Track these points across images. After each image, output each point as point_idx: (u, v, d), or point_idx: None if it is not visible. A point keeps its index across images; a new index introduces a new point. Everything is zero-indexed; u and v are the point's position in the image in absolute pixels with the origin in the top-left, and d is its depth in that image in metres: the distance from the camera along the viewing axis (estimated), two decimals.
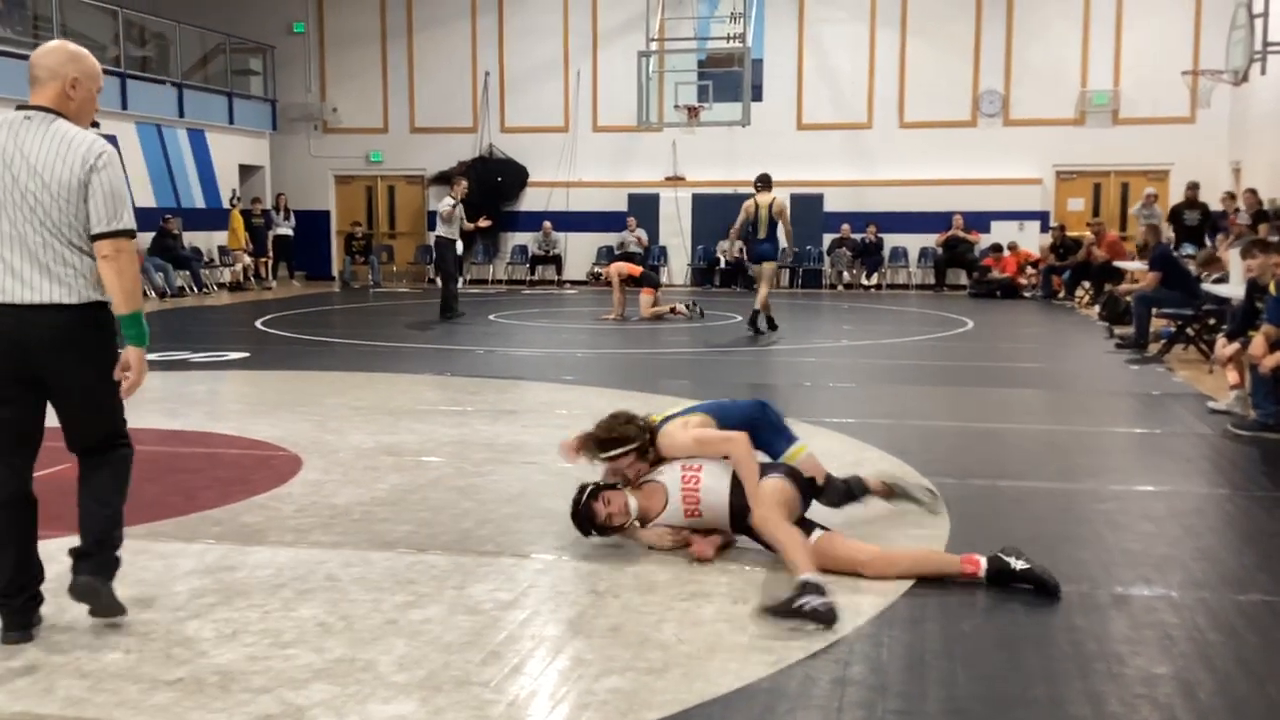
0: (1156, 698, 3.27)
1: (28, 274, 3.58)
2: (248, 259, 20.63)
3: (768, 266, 13.25)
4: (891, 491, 5.06)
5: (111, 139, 17.21)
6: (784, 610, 3.80)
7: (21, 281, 3.58)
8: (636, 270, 15.47)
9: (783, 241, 13.89)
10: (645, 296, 14.99)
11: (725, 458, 4.54)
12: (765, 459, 4.69)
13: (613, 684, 3.34)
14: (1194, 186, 17.33)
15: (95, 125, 4.06)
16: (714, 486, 4.52)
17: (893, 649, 3.64)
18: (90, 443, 3.79)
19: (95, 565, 3.73)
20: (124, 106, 18.16)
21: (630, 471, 4.69)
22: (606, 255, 21.59)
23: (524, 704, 3.22)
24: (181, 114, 19.84)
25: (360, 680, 3.36)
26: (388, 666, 3.46)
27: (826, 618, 3.77)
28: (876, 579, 4.20)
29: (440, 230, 14.97)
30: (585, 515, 4.57)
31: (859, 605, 3.99)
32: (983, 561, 4.20)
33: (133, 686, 3.32)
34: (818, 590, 3.83)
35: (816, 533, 4.38)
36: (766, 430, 4.82)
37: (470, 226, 15.84)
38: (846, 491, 4.84)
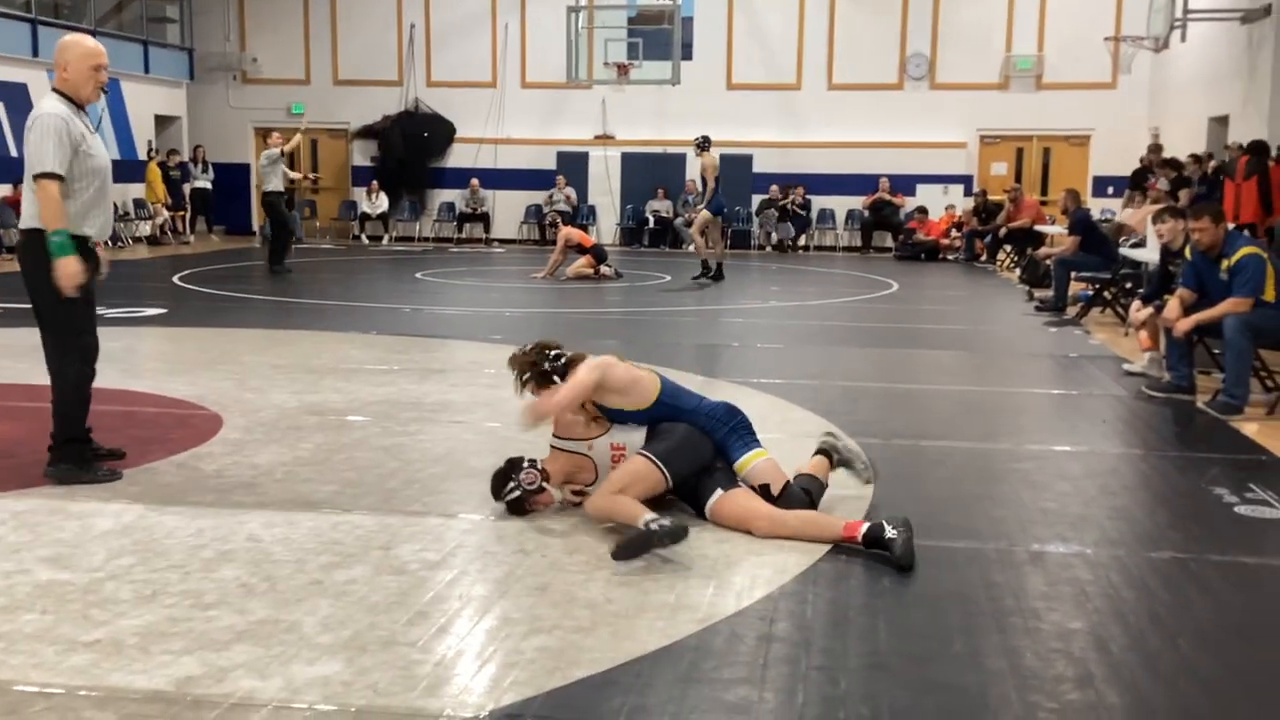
0: (1071, 652, 3.35)
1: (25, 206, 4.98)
2: (166, 213, 20.15)
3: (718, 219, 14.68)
4: (832, 462, 4.85)
5: (21, 87, 16.71)
6: (633, 545, 3.96)
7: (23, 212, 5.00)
8: (589, 241, 15.40)
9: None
10: (582, 260, 14.92)
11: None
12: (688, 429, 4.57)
13: (540, 643, 3.34)
14: (1156, 149, 16.67)
15: (106, 92, 5.29)
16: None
17: (817, 606, 3.69)
18: (46, 348, 5.01)
19: (54, 456, 5.02)
20: (34, 53, 17.55)
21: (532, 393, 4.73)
22: (535, 214, 21.46)
23: (451, 663, 3.22)
24: None
25: (284, 641, 3.32)
26: (312, 627, 3.42)
27: (675, 532, 3.97)
28: (766, 538, 4.24)
29: (273, 184, 14.84)
30: (513, 510, 4.57)
31: (784, 564, 4.03)
32: (864, 526, 4.17)
33: (49, 648, 3.25)
34: (657, 519, 4.03)
35: (717, 494, 4.42)
36: (722, 431, 4.60)
37: (297, 175, 15.91)
38: (807, 500, 4.53)
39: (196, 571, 3.89)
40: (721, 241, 14.59)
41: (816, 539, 4.25)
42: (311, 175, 17.39)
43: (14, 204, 14.97)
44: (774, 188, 20.77)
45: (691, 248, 14.65)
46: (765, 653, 3.32)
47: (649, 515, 4.08)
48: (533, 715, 2.93)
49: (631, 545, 3.97)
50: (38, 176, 4.76)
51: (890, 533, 4.11)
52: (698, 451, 4.53)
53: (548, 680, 3.10)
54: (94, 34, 19.15)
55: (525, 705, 2.97)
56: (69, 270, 4.77)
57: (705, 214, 14.62)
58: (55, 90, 4.95)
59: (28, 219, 4.91)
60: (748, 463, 4.57)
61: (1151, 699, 3.08)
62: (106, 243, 5.34)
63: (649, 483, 4.38)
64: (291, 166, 16.46)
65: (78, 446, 5.06)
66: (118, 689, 3.01)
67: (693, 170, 20.75)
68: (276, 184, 14.89)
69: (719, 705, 2.99)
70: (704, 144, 14.68)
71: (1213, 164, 13.60)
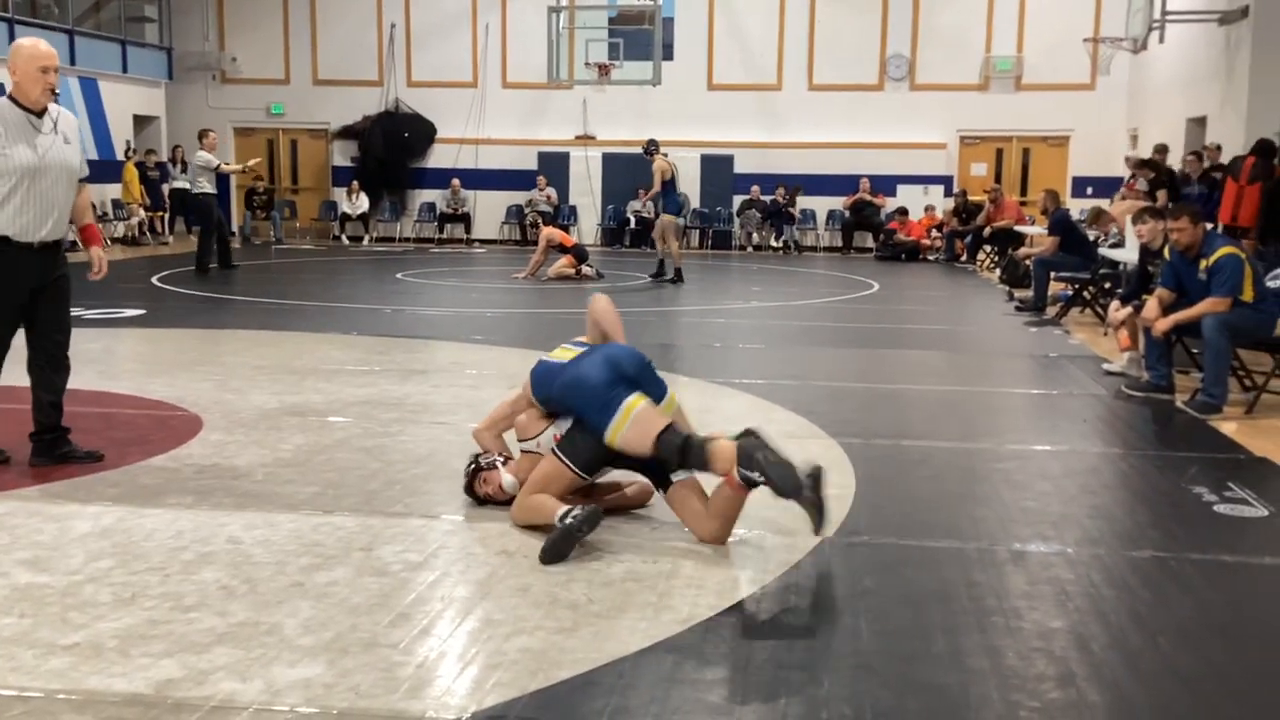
0: (1053, 650, 3.36)
1: None
2: (143, 213, 20.02)
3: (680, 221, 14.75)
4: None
5: None
6: (557, 544, 3.98)
7: None
8: (569, 241, 15.42)
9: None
10: (564, 260, 14.93)
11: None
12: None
13: (523, 644, 3.33)
14: (1162, 149, 15.47)
15: (56, 94, 5.18)
16: None
17: (799, 606, 3.69)
18: None
19: None
20: None
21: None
22: (517, 214, 21.42)
23: (433, 665, 3.20)
24: (73, 62, 19.08)
25: (265, 644, 3.30)
26: (293, 629, 3.41)
27: (590, 517, 3.99)
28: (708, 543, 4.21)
29: (204, 186, 14.71)
30: (468, 493, 4.66)
31: (766, 564, 4.03)
32: (736, 473, 4.01)
33: (28, 651, 3.22)
34: (569, 510, 4.04)
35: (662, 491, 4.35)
36: (578, 409, 4.31)
37: (236, 169, 15.76)
38: (680, 449, 4.10)
39: (176, 574, 3.86)
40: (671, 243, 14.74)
41: (736, 509, 4.17)
42: (249, 165, 17.50)
43: None
44: (754, 188, 20.78)
45: (670, 250, 14.64)
46: (747, 652, 3.32)
47: (561, 509, 4.09)
48: (515, 717, 2.92)
49: (556, 545, 4.00)
50: None
51: (759, 470, 3.93)
52: (592, 435, 4.28)
53: (530, 681, 3.09)
54: (72, 33, 19.17)
55: (508, 707, 2.96)
56: None
57: (666, 218, 14.67)
58: (9, 95, 5.08)
59: None
60: (613, 440, 4.21)
61: (1132, 697, 3.09)
62: (78, 244, 5.36)
63: (563, 481, 4.31)
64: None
65: None
66: (97, 692, 2.99)
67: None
68: (208, 186, 14.82)
69: (701, 706, 2.99)
70: (651, 148, 14.89)
71: (1198, 164, 13.58)
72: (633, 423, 4.16)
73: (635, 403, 4.20)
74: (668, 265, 14.65)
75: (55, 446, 5.26)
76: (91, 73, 19.58)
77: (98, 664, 3.15)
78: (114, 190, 19.92)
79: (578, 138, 21.50)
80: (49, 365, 5.25)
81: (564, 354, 4.65)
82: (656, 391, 4.38)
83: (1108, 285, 11.04)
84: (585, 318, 4.79)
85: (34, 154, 5.05)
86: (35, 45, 5.17)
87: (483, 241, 21.58)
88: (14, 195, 5.01)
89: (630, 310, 11.90)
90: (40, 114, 5.10)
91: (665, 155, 14.74)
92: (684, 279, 14.43)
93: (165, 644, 3.29)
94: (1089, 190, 19.68)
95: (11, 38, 17.56)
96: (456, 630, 3.45)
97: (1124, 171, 17.14)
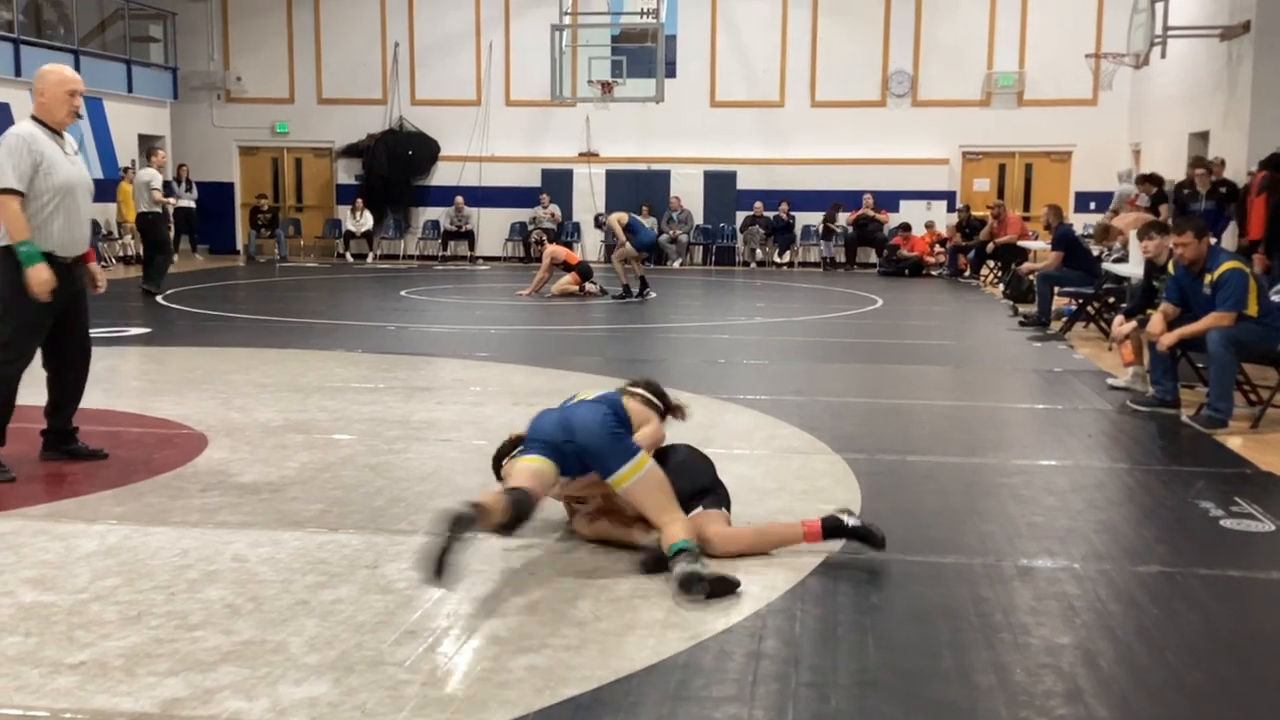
0: (1060, 667, 3.35)
1: None
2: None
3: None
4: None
5: (4, 107, 16.66)
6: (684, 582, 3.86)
7: None
8: (574, 258, 15.45)
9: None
10: (568, 277, 14.95)
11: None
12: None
13: (529, 661, 3.33)
14: (1198, 161, 13.51)
15: (80, 116, 5.42)
16: None
17: (805, 623, 3.68)
18: None
19: None
20: (17, 73, 17.48)
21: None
22: (520, 231, 21.47)
23: (439, 683, 3.20)
24: None
25: (270, 662, 3.30)
26: (299, 648, 3.40)
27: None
28: (725, 557, 4.16)
29: (143, 206, 14.60)
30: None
31: (772, 580, 4.02)
32: (819, 523, 4.27)
33: (33, 670, 3.22)
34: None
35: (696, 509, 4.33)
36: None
37: (166, 201, 15.45)
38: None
39: (182, 592, 3.86)
40: (639, 266, 15.04)
41: (776, 546, 4.28)
42: (171, 202, 17.50)
43: None
44: (758, 204, 20.80)
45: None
46: (754, 670, 3.31)
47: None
48: None
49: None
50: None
51: (852, 520, 4.26)
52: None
53: (536, 699, 3.09)
54: (77, 53, 19.27)
55: None
56: (40, 278, 5.13)
57: (630, 249, 14.78)
58: (32, 116, 5.33)
59: None
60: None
61: (1140, 713, 3.08)
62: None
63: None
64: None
65: None
66: (103, 711, 2.98)
67: (677, 187, 20.89)
68: (155, 205, 14.66)
69: None
70: (600, 218, 16.63)
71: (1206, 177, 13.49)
72: (510, 477, 4.16)
73: (517, 463, 4.18)
74: (632, 283, 14.71)
75: (63, 442, 5.55)
76: (97, 92, 19.60)
77: (104, 683, 3.15)
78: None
79: (581, 155, 21.55)
80: (75, 364, 5.55)
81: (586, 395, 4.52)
82: (606, 465, 4.15)
83: (1112, 300, 11.03)
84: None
85: (67, 172, 5.29)
86: (62, 70, 5.43)
87: (486, 259, 21.62)
88: (58, 213, 5.24)
89: (635, 327, 11.92)
90: (60, 135, 5.37)
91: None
92: (638, 295, 14.54)
93: (171, 662, 3.28)
94: (1092, 205, 19.68)
95: (17, 58, 17.70)
96: (462, 648, 3.45)
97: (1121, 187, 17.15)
